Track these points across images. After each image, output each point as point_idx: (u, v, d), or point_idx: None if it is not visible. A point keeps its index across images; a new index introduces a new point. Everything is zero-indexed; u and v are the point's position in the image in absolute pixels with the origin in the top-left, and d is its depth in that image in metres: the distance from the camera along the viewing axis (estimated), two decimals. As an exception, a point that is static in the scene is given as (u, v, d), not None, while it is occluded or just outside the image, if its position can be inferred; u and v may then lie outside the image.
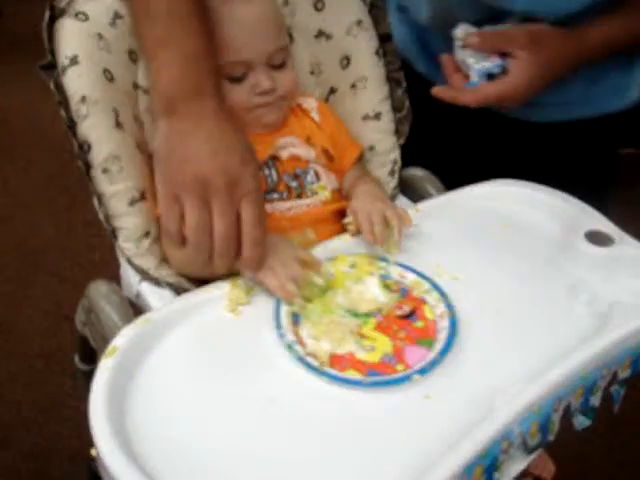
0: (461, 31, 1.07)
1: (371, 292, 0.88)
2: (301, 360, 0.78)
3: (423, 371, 0.78)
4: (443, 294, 0.88)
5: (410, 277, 0.91)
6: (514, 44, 1.03)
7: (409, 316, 0.87)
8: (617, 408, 0.90)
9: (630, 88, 1.20)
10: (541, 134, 1.26)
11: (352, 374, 0.78)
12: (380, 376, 0.78)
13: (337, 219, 1.04)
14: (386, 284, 0.90)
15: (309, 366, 0.78)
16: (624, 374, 0.87)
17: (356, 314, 0.85)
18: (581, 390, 0.81)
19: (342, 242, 0.97)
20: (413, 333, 0.84)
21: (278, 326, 0.82)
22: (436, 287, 0.89)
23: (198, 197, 0.82)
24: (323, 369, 0.78)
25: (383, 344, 0.82)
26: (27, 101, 3.21)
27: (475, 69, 1.03)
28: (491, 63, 1.03)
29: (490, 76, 1.03)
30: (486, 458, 0.71)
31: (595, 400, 0.84)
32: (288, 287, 0.85)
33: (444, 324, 0.84)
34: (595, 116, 1.21)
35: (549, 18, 1.06)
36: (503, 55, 1.03)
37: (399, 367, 0.79)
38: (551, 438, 0.79)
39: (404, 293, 0.90)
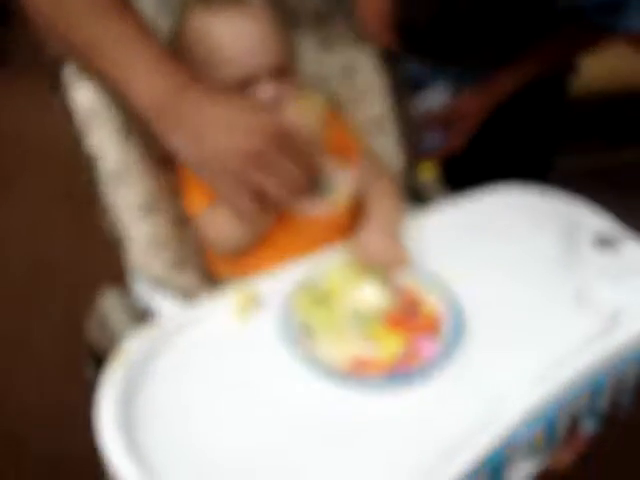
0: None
1: (372, 295, 0.90)
2: (319, 370, 0.79)
3: (440, 361, 0.80)
4: (443, 288, 0.90)
5: (407, 276, 0.92)
6: (444, 122, 1.34)
7: (413, 313, 0.88)
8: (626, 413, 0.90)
9: None
10: None
11: (371, 375, 0.79)
12: (400, 372, 0.80)
13: (352, 223, 1.03)
14: (385, 285, 0.91)
15: (328, 374, 0.79)
16: (631, 379, 0.87)
17: (362, 318, 0.87)
18: (588, 394, 0.81)
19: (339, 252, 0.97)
20: (422, 328, 0.86)
21: (290, 337, 0.82)
22: (434, 282, 0.91)
23: (260, 167, 0.86)
24: (342, 375, 0.79)
25: (395, 343, 0.84)
26: (41, 115, 3.23)
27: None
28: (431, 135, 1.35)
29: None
30: (492, 461, 0.71)
31: (603, 404, 0.85)
32: None
33: (449, 316, 0.86)
34: None
35: None
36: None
37: (416, 361, 0.81)
38: (558, 442, 0.80)
39: (404, 292, 0.91)
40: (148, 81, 0.88)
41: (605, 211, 1.04)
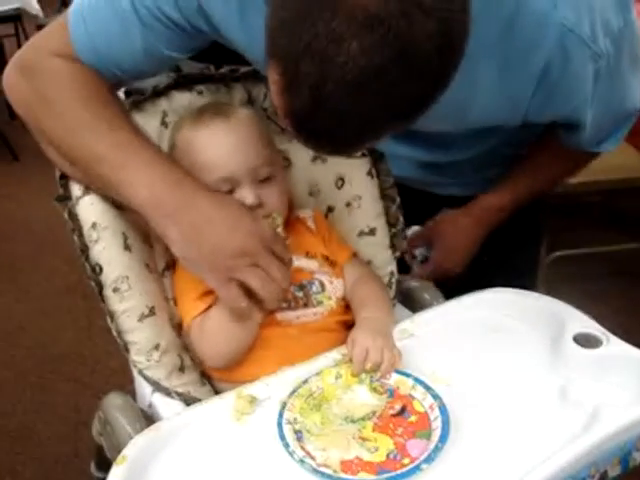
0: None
1: (362, 397, 0.94)
2: (315, 472, 0.82)
3: (429, 460, 0.83)
4: (428, 387, 0.93)
5: (394, 377, 0.96)
6: (428, 240, 1.35)
7: (402, 413, 0.92)
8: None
9: None
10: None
11: (364, 476, 0.83)
12: (390, 472, 0.82)
13: (341, 329, 1.08)
14: (373, 388, 0.95)
15: (324, 476, 0.82)
16: (614, 472, 0.89)
17: (353, 420, 0.90)
18: (573, 488, 0.84)
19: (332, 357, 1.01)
20: (410, 428, 0.89)
21: (285, 444, 0.86)
22: (419, 382, 0.95)
23: (249, 266, 0.94)
24: (337, 476, 0.82)
25: (385, 443, 0.87)
26: (50, 210, 3.29)
27: (416, 256, 1.39)
28: (419, 252, 1.38)
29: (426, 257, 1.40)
30: None
31: (588, 498, 0.87)
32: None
33: (436, 414, 0.90)
34: None
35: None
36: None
37: (405, 461, 0.84)
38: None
39: (391, 393, 0.95)
40: (143, 179, 0.95)
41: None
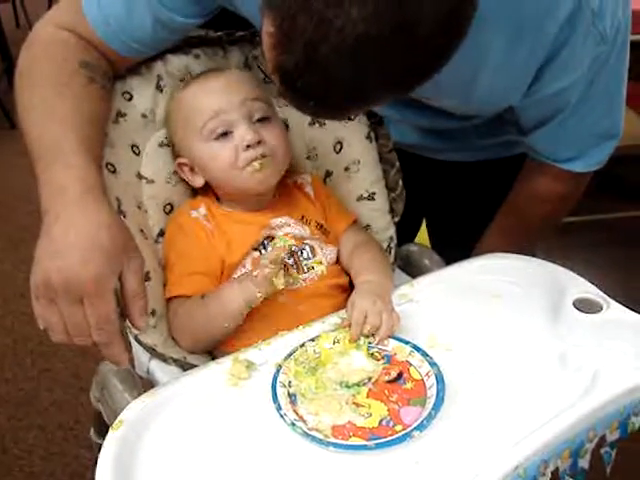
0: None
1: (358, 363, 0.93)
2: (306, 435, 0.82)
3: (421, 427, 0.82)
4: (425, 354, 0.93)
5: (391, 343, 0.96)
6: None
7: (397, 379, 0.91)
8: (609, 470, 0.92)
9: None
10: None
11: (355, 441, 0.82)
12: (382, 438, 0.82)
13: (334, 293, 1.08)
14: (370, 353, 0.95)
15: (314, 439, 0.82)
16: (612, 436, 0.89)
17: (348, 385, 0.90)
18: (567, 453, 0.84)
19: (331, 322, 1.01)
20: (404, 395, 0.89)
21: (278, 407, 0.85)
22: (417, 349, 0.94)
23: (46, 299, 0.84)
24: (328, 440, 0.82)
25: (379, 409, 0.87)
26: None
27: None
28: None
29: None
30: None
31: (584, 463, 0.87)
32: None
33: (432, 382, 0.89)
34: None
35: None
36: None
37: (398, 427, 0.84)
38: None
39: (388, 359, 0.94)
40: (42, 178, 0.91)
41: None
